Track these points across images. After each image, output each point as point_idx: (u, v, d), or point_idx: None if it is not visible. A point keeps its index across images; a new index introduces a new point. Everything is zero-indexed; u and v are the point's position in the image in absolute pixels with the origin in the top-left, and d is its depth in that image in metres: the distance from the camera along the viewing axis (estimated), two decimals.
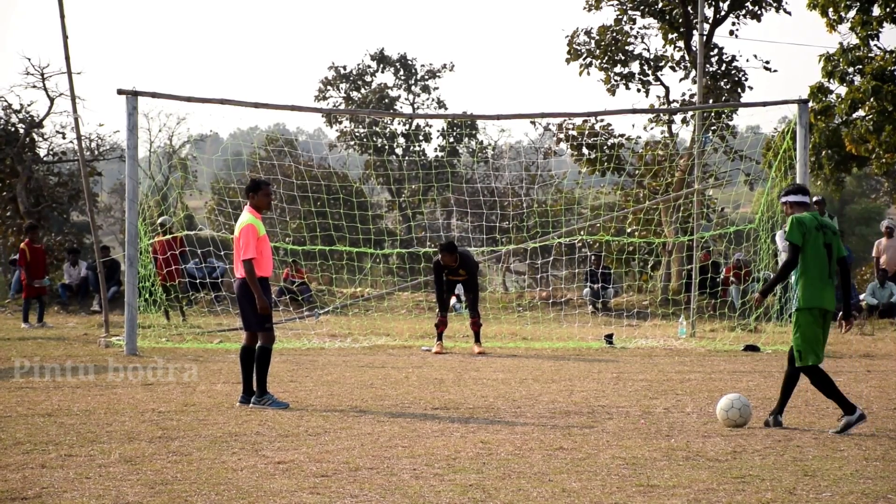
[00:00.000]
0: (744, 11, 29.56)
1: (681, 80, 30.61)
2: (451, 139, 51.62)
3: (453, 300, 22.55)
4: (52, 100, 29.46)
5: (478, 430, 9.78)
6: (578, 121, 30.12)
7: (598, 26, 30.29)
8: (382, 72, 53.91)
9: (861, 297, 23.08)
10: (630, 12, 30.20)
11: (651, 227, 28.92)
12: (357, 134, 51.41)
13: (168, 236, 21.19)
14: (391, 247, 40.97)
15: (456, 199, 38.29)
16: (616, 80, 30.46)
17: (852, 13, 25.19)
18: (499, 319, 23.38)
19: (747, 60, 32.29)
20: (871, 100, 24.24)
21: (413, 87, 54.05)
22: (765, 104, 19.13)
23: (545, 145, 46.74)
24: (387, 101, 52.54)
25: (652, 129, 31.32)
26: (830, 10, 25.23)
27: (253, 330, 11.33)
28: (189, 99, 17.72)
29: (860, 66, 24.86)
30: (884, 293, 22.67)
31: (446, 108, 54.14)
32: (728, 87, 30.23)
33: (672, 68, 30.39)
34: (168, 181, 43.72)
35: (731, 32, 29.88)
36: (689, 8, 28.62)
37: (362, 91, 53.20)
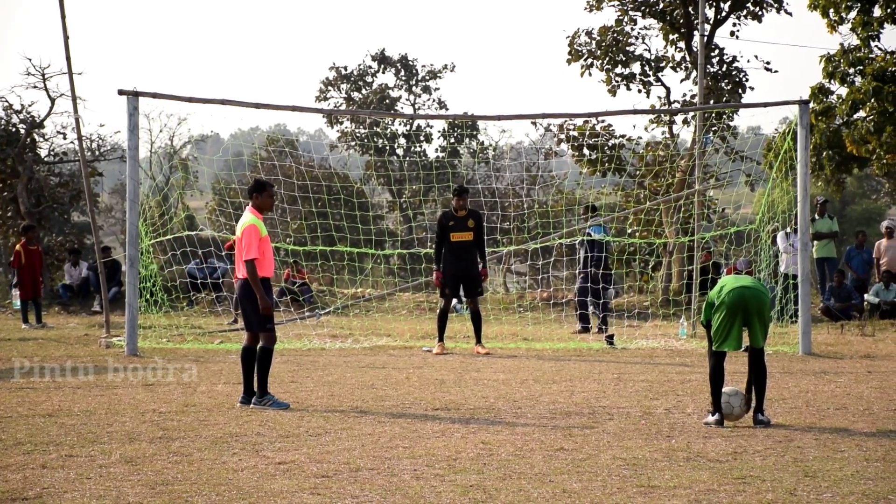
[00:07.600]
0: (745, 12, 29.53)
1: (682, 80, 30.59)
2: (452, 140, 51.66)
3: (454, 301, 22.53)
4: (52, 100, 29.48)
5: (479, 431, 9.78)
6: (579, 121, 30.11)
7: (599, 27, 30.26)
8: (383, 72, 53.99)
9: (865, 297, 23.06)
10: (631, 13, 30.18)
11: (652, 227, 28.92)
12: (358, 134, 51.44)
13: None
14: (392, 247, 41.01)
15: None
16: (617, 81, 30.43)
17: (853, 14, 25.17)
18: (500, 320, 23.38)
19: (748, 61, 32.33)
20: (872, 100, 24.21)
21: (414, 88, 54.10)
22: (766, 105, 19.08)
23: (546, 146, 46.80)
24: (388, 101, 52.59)
25: (653, 129, 31.30)
26: (831, 10, 25.20)
27: (254, 330, 11.33)
28: (190, 99, 17.71)
29: (861, 67, 24.84)
30: (888, 294, 22.65)
31: (447, 109, 54.20)
32: (729, 87, 30.21)
33: (673, 69, 30.38)
34: (169, 182, 43.76)
35: (732, 33, 29.86)
36: (690, 9, 28.61)
37: (363, 91, 53.26)
